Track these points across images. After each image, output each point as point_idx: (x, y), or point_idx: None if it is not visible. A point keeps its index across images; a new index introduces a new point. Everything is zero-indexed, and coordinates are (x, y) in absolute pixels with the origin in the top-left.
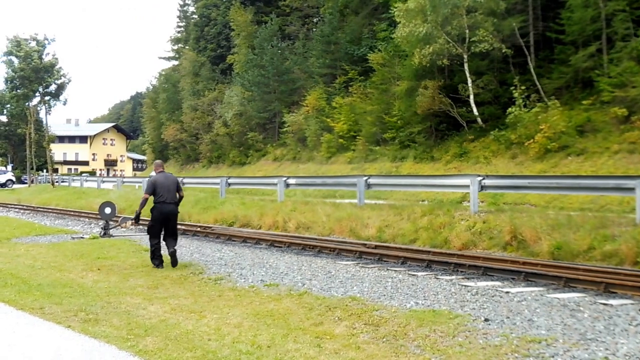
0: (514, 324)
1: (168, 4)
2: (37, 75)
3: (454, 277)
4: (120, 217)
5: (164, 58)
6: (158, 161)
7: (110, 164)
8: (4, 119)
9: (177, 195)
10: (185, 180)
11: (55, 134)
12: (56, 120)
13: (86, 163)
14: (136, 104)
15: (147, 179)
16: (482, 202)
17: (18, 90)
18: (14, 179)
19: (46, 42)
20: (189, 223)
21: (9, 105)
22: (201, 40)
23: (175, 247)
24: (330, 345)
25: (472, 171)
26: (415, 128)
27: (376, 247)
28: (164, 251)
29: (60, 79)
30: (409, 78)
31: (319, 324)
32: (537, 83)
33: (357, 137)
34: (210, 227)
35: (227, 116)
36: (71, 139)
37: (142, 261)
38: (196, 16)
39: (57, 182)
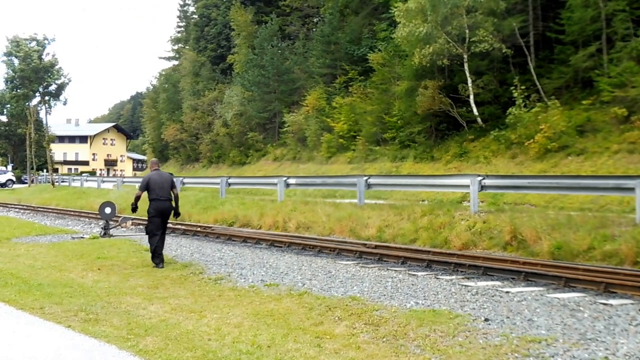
0: (514, 323)
1: (168, 4)
2: (37, 75)
3: (454, 277)
4: (120, 217)
5: (164, 58)
6: (153, 159)
7: (110, 163)
8: (4, 119)
9: (172, 194)
10: (185, 180)
11: (55, 134)
12: (56, 120)
13: (86, 163)
14: (136, 104)
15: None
16: (482, 202)
17: (18, 90)
18: (14, 178)
19: (46, 42)
20: (189, 223)
21: (9, 105)
22: (201, 40)
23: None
24: (331, 345)
25: (472, 171)
26: (415, 128)
27: (376, 247)
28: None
29: (60, 79)
30: (409, 78)
31: (319, 323)
32: (537, 83)
33: (357, 137)
34: (211, 227)
35: (227, 116)
36: (71, 139)
37: (142, 261)
38: (196, 16)
39: (57, 182)
